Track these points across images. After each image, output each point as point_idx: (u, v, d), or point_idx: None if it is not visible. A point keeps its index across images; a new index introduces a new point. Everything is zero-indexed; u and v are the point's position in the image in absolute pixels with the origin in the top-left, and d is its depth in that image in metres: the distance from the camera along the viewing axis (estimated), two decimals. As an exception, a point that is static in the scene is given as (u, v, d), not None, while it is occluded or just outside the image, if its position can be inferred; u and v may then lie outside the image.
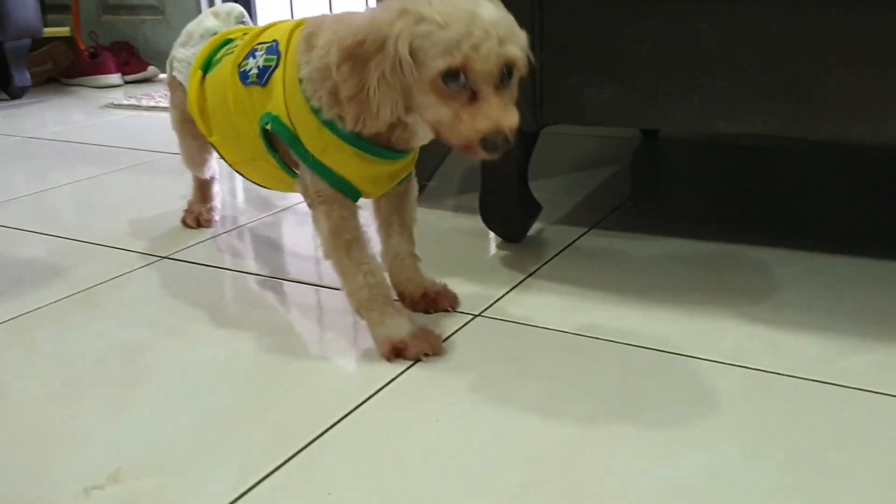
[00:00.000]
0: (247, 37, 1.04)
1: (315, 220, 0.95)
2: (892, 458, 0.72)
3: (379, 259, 1.00)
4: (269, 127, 0.93)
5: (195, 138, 1.22)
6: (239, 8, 1.23)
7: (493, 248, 1.24)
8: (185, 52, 1.17)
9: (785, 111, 0.99)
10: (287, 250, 1.29)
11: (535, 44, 1.08)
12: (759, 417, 0.79)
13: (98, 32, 3.06)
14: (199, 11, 2.86)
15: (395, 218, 1.03)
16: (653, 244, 1.24)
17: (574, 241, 1.26)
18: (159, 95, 2.59)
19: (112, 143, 2.06)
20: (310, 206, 0.96)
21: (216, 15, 1.20)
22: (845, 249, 1.18)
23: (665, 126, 1.08)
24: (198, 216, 1.38)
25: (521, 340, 0.96)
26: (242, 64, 1.00)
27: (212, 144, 1.14)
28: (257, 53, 0.98)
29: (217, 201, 1.40)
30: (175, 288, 1.14)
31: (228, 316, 1.05)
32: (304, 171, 0.94)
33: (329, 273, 1.17)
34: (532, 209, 1.25)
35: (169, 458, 0.76)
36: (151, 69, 2.97)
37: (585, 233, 1.29)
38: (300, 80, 0.90)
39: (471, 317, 1.02)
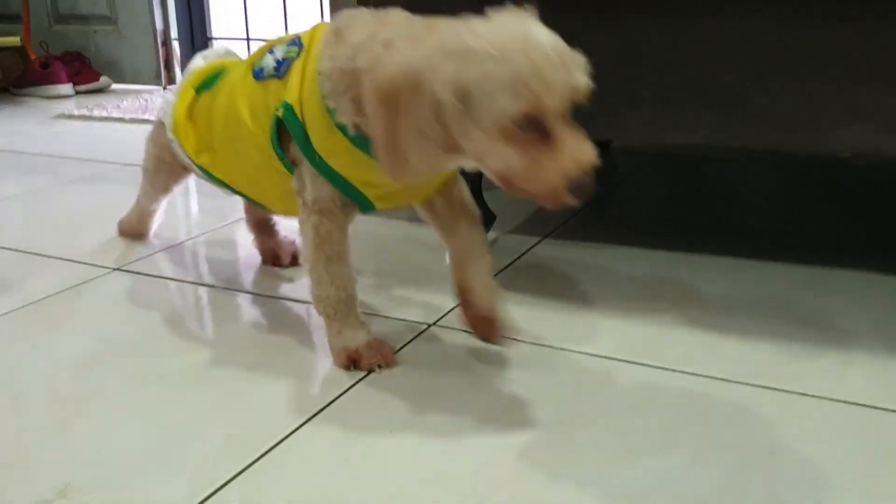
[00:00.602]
0: (261, 47, 0.98)
1: (302, 226, 0.90)
2: (838, 462, 0.74)
3: (447, 261, 0.95)
4: (280, 114, 0.86)
5: (171, 175, 1.22)
6: (226, 47, 1.20)
7: (447, 258, 1.24)
8: (170, 96, 1.13)
9: (729, 122, 1.01)
10: (241, 261, 1.28)
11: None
12: (707, 424, 0.80)
13: (49, 42, 3.01)
14: (151, 21, 2.84)
15: (460, 211, 0.93)
16: (605, 253, 1.25)
17: (528, 251, 1.27)
18: (111, 106, 2.56)
19: (63, 153, 2.03)
20: (301, 208, 0.90)
21: (205, 57, 1.14)
22: (794, 257, 1.21)
23: (617, 137, 1.09)
24: (292, 254, 1.23)
25: (475, 350, 0.96)
26: (258, 63, 0.94)
27: (199, 168, 1.08)
28: (276, 49, 0.92)
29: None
30: (126, 300, 1.13)
31: (180, 328, 1.04)
32: (304, 171, 0.88)
33: (284, 285, 1.17)
34: (486, 219, 1.25)
35: (119, 473, 0.75)
36: (104, 79, 2.93)
37: (539, 242, 1.31)
38: (319, 73, 0.83)
39: (424, 326, 1.02)
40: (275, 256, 1.24)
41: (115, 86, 2.97)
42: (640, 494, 0.70)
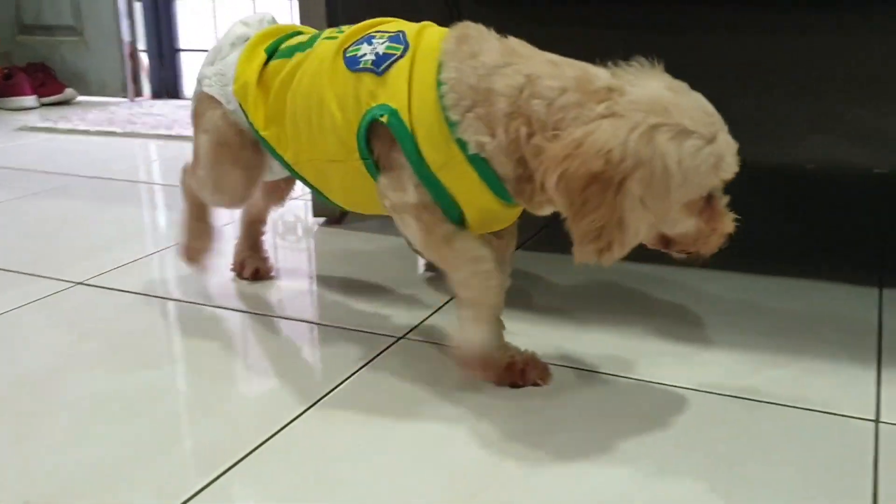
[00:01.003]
0: (351, 28, 0.92)
1: (402, 223, 0.87)
2: (806, 469, 0.75)
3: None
4: (384, 119, 0.82)
5: (237, 164, 1.03)
6: (270, 14, 1.08)
7: (418, 270, 1.24)
8: (217, 67, 1.02)
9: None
10: (208, 275, 1.27)
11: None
12: (675, 432, 0.81)
13: (13, 53, 2.97)
14: (118, 32, 2.81)
15: (512, 233, 0.95)
16: (573, 265, 1.25)
17: (497, 262, 1.27)
18: (76, 118, 2.53)
19: (26, 166, 2.00)
20: (391, 211, 0.87)
21: (246, 24, 1.04)
22: (760, 268, 1.22)
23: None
24: (256, 269, 1.21)
25: (446, 362, 0.96)
26: (351, 49, 0.88)
27: (262, 141, 0.98)
28: (374, 40, 0.87)
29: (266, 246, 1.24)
30: (89, 315, 1.11)
31: (144, 343, 1.03)
32: (406, 176, 0.84)
33: (250, 299, 1.16)
34: (456, 230, 1.26)
35: (80, 489, 0.73)
36: (69, 91, 2.90)
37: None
38: (439, 83, 0.80)
39: (394, 339, 1.01)
40: (241, 266, 1.22)
41: (80, 98, 2.94)
42: (612, 500, 0.70)
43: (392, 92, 0.82)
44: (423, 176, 0.82)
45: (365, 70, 0.85)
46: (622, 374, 0.92)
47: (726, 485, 0.72)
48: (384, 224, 1.46)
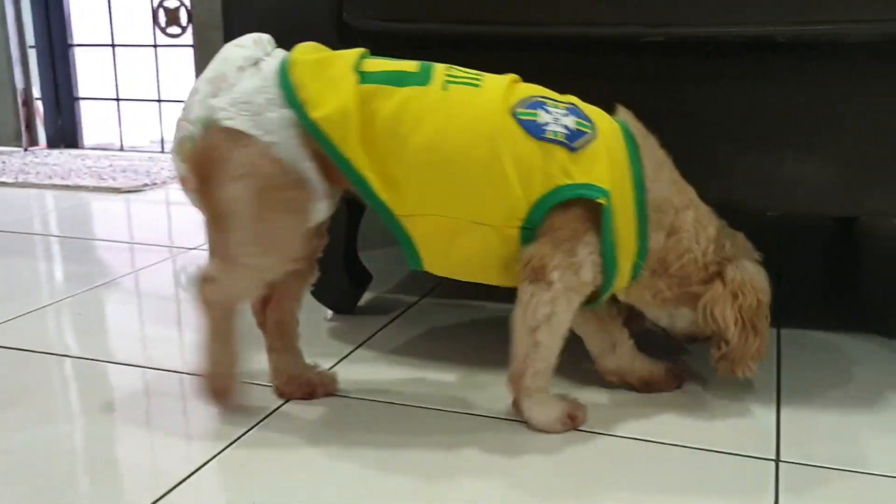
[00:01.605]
0: (495, 80, 0.86)
1: (553, 301, 0.84)
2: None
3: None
4: (603, 201, 0.81)
5: (290, 209, 0.84)
6: (267, 35, 0.89)
7: (322, 321, 1.21)
8: (233, 96, 0.82)
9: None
10: (104, 328, 1.21)
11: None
12: (582, 478, 0.80)
13: None
14: (12, 80, 2.71)
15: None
16: (487, 309, 1.25)
17: (407, 309, 1.25)
18: (-33, 168, 2.42)
19: None
20: (549, 283, 0.84)
21: (241, 46, 0.86)
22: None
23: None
24: (310, 383, 0.97)
25: (350, 414, 0.93)
26: (524, 112, 0.83)
27: (360, 182, 0.82)
28: (550, 108, 0.84)
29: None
30: (-30, 374, 1.04)
31: (35, 401, 0.97)
32: (585, 254, 0.84)
33: (147, 352, 1.10)
34: (362, 279, 1.24)
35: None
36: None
37: (420, 300, 1.29)
38: (641, 184, 0.86)
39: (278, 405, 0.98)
40: (288, 384, 0.96)
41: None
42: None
43: (596, 174, 0.82)
44: (610, 261, 0.85)
45: (555, 142, 0.82)
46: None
47: (632, 531, 0.72)
48: (289, 273, 1.43)
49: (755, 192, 0.99)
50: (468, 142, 0.82)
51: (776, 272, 1.34)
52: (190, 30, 2.63)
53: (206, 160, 0.83)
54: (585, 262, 0.84)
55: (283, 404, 0.95)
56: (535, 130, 0.82)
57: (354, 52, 0.86)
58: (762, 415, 0.92)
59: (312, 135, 0.81)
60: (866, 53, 0.91)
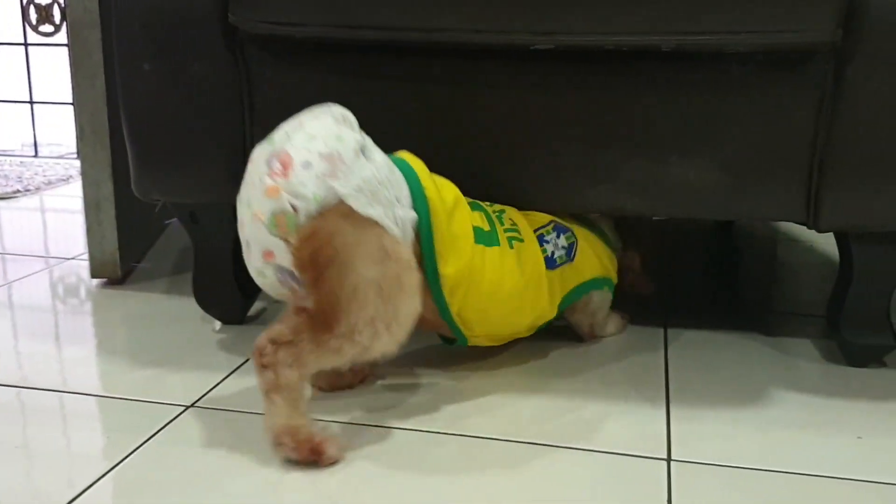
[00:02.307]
0: (519, 221, 1.04)
1: (605, 325, 1.17)
2: (600, 512, 0.75)
3: None
4: (607, 290, 1.13)
5: (414, 296, 0.85)
6: (345, 111, 0.89)
7: (209, 332, 1.17)
8: (362, 180, 0.82)
9: (479, 185, 1.03)
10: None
11: (246, 117, 1.06)
12: (479, 483, 0.79)
13: None
14: None
15: None
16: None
17: (296, 319, 1.22)
18: None
19: None
20: (590, 329, 1.15)
21: (337, 120, 0.87)
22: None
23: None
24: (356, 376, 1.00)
25: (241, 430, 0.90)
26: (542, 251, 1.04)
27: (450, 320, 0.96)
28: (547, 237, 1.04)
29: None
30: None
31: None
32: (601, 315, 1.15)
33: (23, 370, 1.04)
34: (251, 288, 1.20)
35: None
36: None
37: (308, 310, 1.26)
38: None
39: (182, 408, 0.94)
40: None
41: None
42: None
43: (592, 269, 1.09)
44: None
45: (563, 264, 1.05)
46: (420, 429, 0.90)
47: (530, 537, 0.72)
48: (173, 285, 1.38)
49: (641, 197, 1.01)
50: (527, 286, 1.01)
51: (662, 274, 1.38)
52: (64, 28, 2.50)
53: (327, 242, 0.80)
54: (608, 317, 1.18)
55: (171, 421, 0.91)
56: (550, 264, 1.03)
57: (463, 200, 0.96)
58: (652, 414, 0.94)
59: (431, 285, 0.91)
60: (745, 63, 0.95)
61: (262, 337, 0.82)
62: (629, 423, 0.93)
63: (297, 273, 0.81)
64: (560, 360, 1.09)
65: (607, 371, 1.06)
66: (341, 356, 0.82)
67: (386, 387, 1.00)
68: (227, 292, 1.17)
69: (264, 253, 0.83)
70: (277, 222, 0.80)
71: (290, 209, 0.79)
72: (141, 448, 0.85)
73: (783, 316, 1.30)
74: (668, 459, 0.85)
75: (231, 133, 1.06)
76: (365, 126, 0.96)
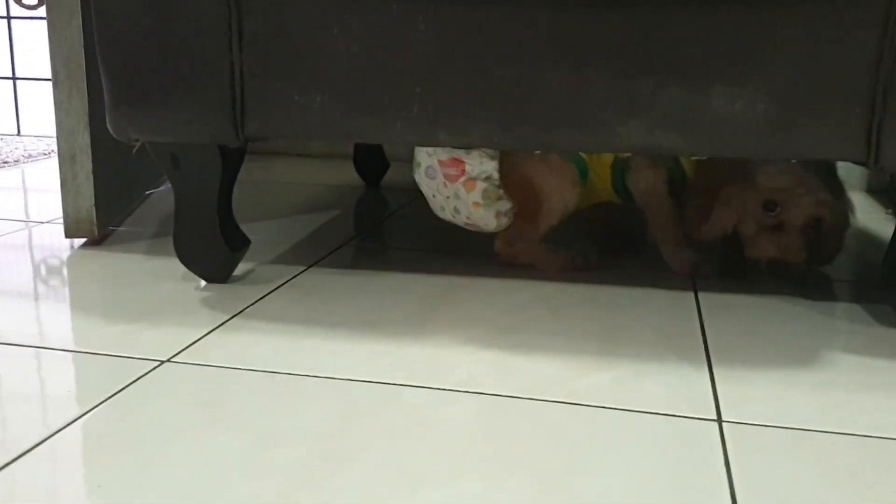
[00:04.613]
0: None
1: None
2: (637, 474, 0.64)
3: None
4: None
5: None
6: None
7: (192, 290, 1.05)
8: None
9: (504, 119, 0.92)
10: None
11: (234, 45, 0.94)
12: (499, 445, 0.68)
13: None
14: None
15: None
16: (379, 279, 1.12)
17: (291, 279, 1.11)
18: None
19: None
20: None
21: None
22: (570, 277, 1.14)
23: (385, 140, 0.97)
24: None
25: (223, 386, 0.78)
26: None
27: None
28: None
29: None
30: None
31: None
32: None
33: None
34: (238, 243, 1.08)
35: None
36: None
37: (305, 270, 1.15)
38: None
39: (156, 363, 0.82)
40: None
41: None
42: (427, 536, 0.56)
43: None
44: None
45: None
46: (434, 386, 0.78)
47: (562, 498, 0.60)
48: (154, 246, 1.26)
49: (678, 134, 0.90)
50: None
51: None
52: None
53: None
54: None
55: (145, 374, 0.79)
56: None
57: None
58: (693, 375, 0.83)
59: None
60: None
61: None
62: (668, 383, 0.81)
63: None
64: (575, 321, 0.97)
65: (636, 332, 0.94)
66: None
67: (388, 343, 0.89)
68: (212, 246, 1.05)
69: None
70: None
71: None
72: (113, 398, 0.74)
73: (824, 281, 1.18)
74: (720, 420, 0.73)
75: (217, 63, 0.95)
76: (366, 58, 0.85)
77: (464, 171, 1.11)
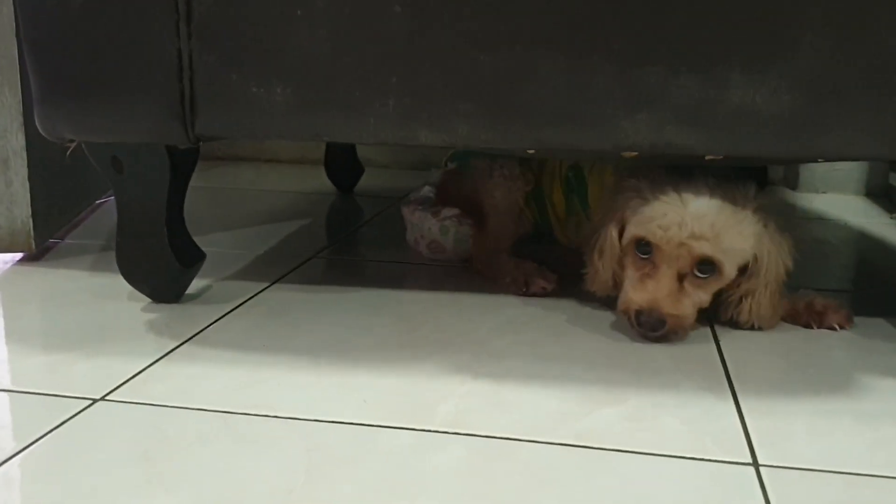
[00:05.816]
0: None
1: None
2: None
3: None
4: None
5: None
6: None
7: (137, 312, 0.92)
8: None
9: (491, 114, 0.80)
10: None
11: (181, 28, 0.82)
12: (493, 496, 0.56)
13: None
14: None
15: None
16: (351, 296, 0.99)
17: (252, 298, 0.98)
18: None
19: None
20: None
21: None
22: (568, 292, 1.02)
23: (356, 139, 0.85)
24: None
25: (164, 431, 0.66)
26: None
27: None
28: None
29: None
30: None
31: None
32: None
33: None
34: (190, 257, 0.95)
35: None
36: None
37: (268, 287, 1.02)
38: None
39: (87, 402, 0.70)
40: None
41: None
42: None
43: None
44: None
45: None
46: (417, 427, 0.66)
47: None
48: (99, 260, 1.13)
49: (692, 129, 0.79)
50: None
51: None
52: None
53: None
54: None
55: (70, 418, 0.66)
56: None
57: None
58: (717, 407, 0.72)
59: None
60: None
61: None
62: (689, 417, 0.70)
63: None
64: (579, 345, 0.86)
65: (645, 355, 0.83)
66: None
67: (361, 374, 0.77)
68: (160, 262, 0.92)
69: None
70: None
71: None
72: (26, 450, 0.61)
73: (838, 294, 1.08)
74: (755, 464, 0.62)
75: (162, 49, 0.82)
76: (334, 44, 0.73)
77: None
